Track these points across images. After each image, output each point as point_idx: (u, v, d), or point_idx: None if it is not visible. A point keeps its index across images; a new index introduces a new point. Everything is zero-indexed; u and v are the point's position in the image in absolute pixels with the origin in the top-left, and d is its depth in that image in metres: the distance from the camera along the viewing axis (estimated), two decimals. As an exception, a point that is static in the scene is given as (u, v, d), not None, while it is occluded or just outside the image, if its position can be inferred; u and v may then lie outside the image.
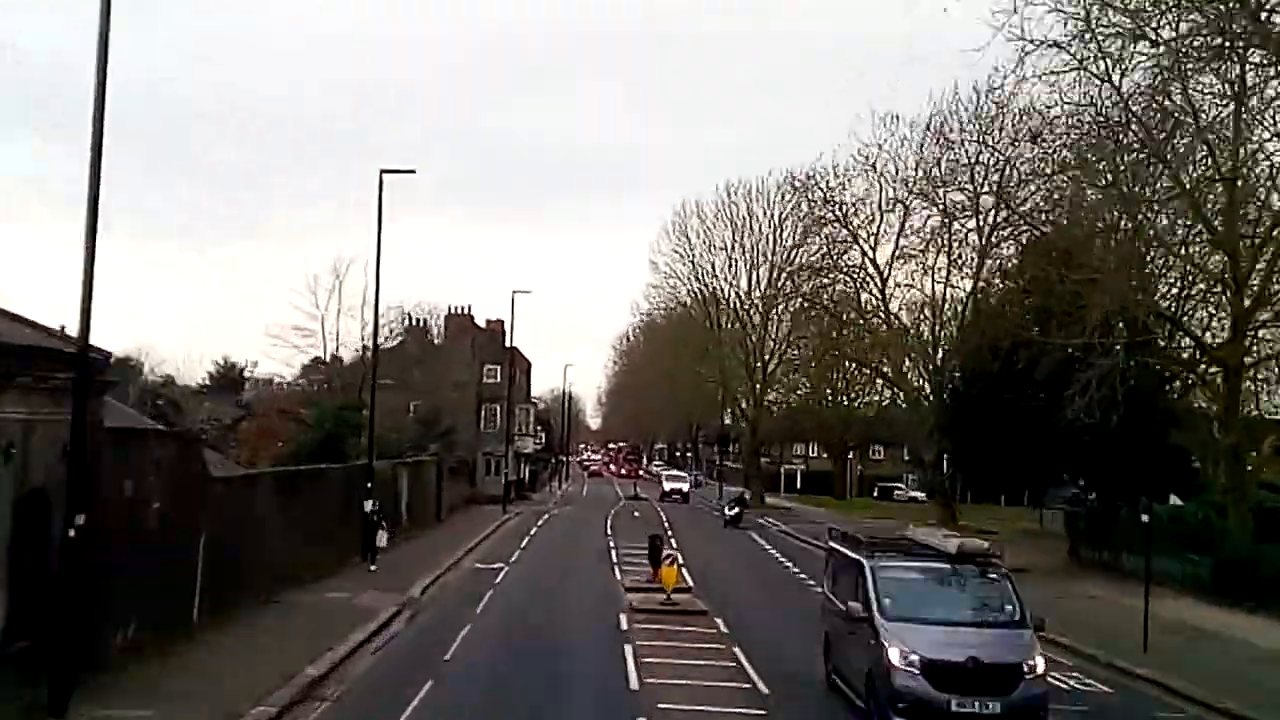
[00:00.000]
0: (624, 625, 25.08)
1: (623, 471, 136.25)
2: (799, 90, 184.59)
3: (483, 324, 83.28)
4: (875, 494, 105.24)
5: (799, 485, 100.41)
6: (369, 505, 32.68)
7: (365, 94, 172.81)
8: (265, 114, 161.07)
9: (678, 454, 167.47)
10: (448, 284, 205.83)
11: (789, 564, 40.60)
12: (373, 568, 31.62)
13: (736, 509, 59.86)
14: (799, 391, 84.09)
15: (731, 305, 79.64)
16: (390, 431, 55.09)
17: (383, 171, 34.89)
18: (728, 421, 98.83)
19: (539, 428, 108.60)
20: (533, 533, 49.63)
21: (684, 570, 32.56)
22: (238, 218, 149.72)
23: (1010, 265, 47.96)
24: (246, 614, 23.32)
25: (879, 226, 57.24)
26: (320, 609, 25.37)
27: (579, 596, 30.24)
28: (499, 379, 79.20)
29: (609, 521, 57.76)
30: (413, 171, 38.48)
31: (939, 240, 54.39)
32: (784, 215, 72.48)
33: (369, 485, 35.12)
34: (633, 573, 34.03)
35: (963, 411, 46.64)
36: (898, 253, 56.46)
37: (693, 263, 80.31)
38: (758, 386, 79.49)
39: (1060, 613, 25.13)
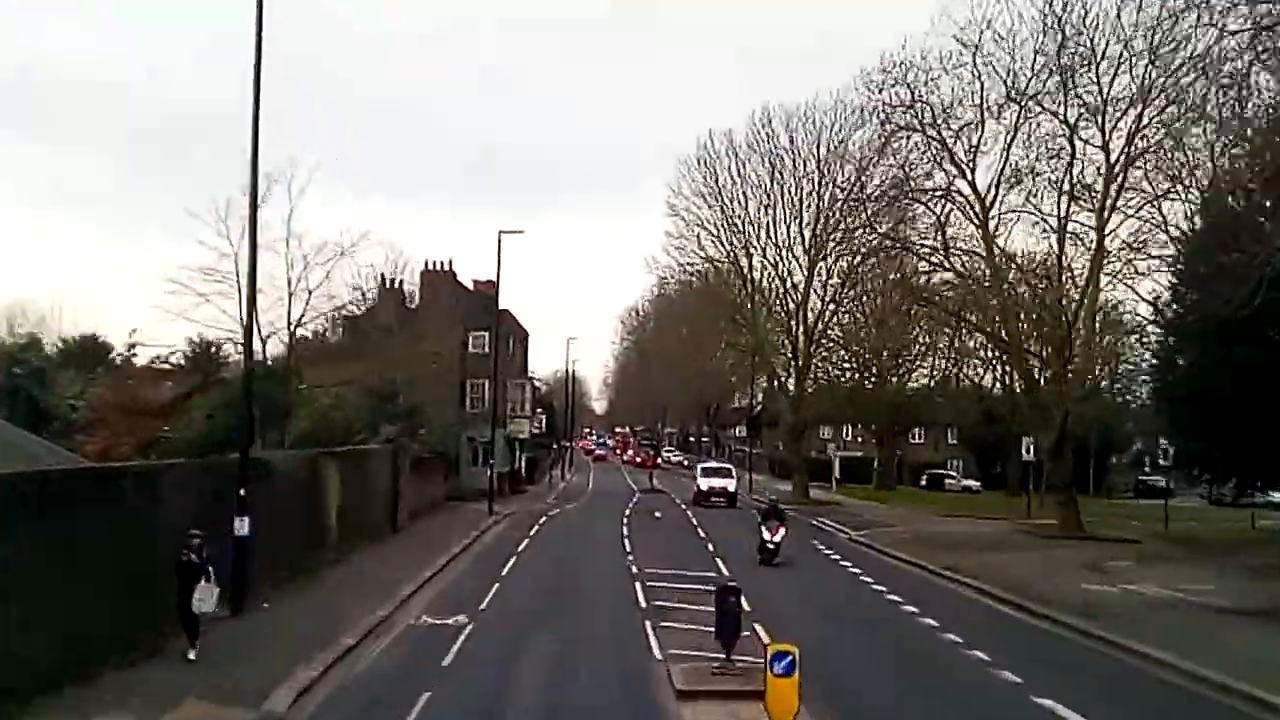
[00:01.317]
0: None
1: (638, 460, 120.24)
2: None
3: (469, 285, 69.70)
4: (923, 483, 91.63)
5: (836, 474, 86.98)
6: (191, 546, 17.84)
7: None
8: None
9: (691, 439, 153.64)
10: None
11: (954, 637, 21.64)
12: (191, 655, 17.65)
13: (772, 535, 32.30)
14: (847, 365, 70.33)
15: (770, 257, 65.66)
16: (334, 409, 41.47)
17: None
18: (758, 400, 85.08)
19: (538, 410, 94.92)
20: (521, 549, 35.80)
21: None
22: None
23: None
24: None
25: (979, 139, 43.53)
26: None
27: (590, 699, 16.54)
28: (487, 349, 65.53)
29: (625, 528, 44.17)
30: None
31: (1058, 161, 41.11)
32: (840, 136, 58.69)
33: (240, 493, 21.42)
34: (676, 631, 20.69)
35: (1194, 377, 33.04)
36: (1004, 177, 42.93)
37: (721, 206, 66.35)
38: (800, 357, 65.57)
39: None
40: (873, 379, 72.00)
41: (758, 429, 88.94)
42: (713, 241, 67.13)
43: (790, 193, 64.56)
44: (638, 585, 26.85)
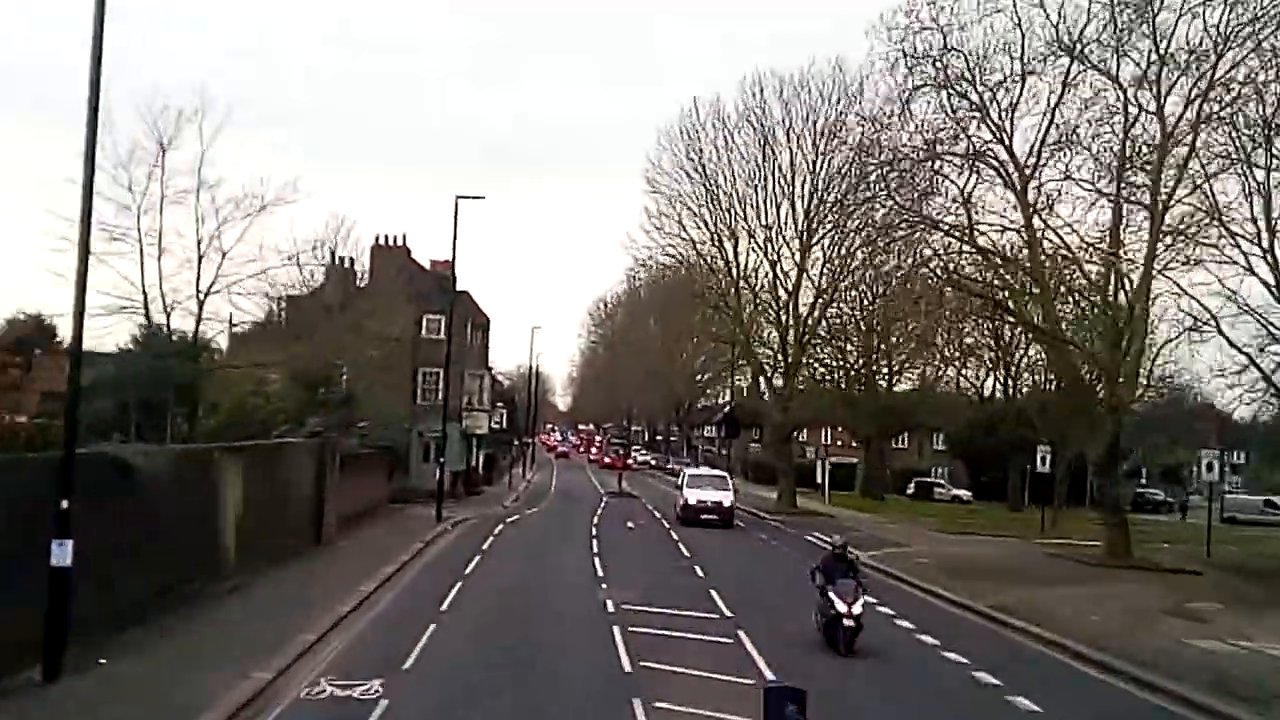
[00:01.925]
0: None
1: (605, 460, 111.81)
2: None
3: (426, 266, 63.11)
4: (910, 492, 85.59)
5: (820, 480, 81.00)
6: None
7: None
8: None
9: (659, 438, 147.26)
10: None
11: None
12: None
13: (848, 604, 19.78)
14: (840, 362, 64.20)
15: (758, 241, 59.27)
16: (254, 396, 34.87)
17: None
18: (737, 397, 78.84)
19: (499, 404, 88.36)
20: (469, 571, 29.13)
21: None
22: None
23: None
24: None
25: (1018, 96, 37.36)
26: None
27: None
28: (442, 334, 58.97)
29: (594, 542, 37.88)
30: None
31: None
32: (841, 106, 52.49)
33: (62, 507, 14.95)
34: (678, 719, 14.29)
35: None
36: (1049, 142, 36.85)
37: (705, 182, 59.91)
38: (790, 351, 59.22)
39: None
40: (864, 378, 65.92)
41: (736, 429, 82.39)
42: (695, 221, 60.76)
43: (783, 169, 58.31)
44: (617, 633, 20.35)
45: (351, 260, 57.42)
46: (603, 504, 60.44)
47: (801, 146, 57.77)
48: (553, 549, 36.05)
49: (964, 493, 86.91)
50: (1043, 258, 36.26)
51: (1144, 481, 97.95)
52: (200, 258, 32.55)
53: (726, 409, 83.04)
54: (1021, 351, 70.09)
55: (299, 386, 38.45)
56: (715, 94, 76.51)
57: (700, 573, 30.55)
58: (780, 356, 59.65)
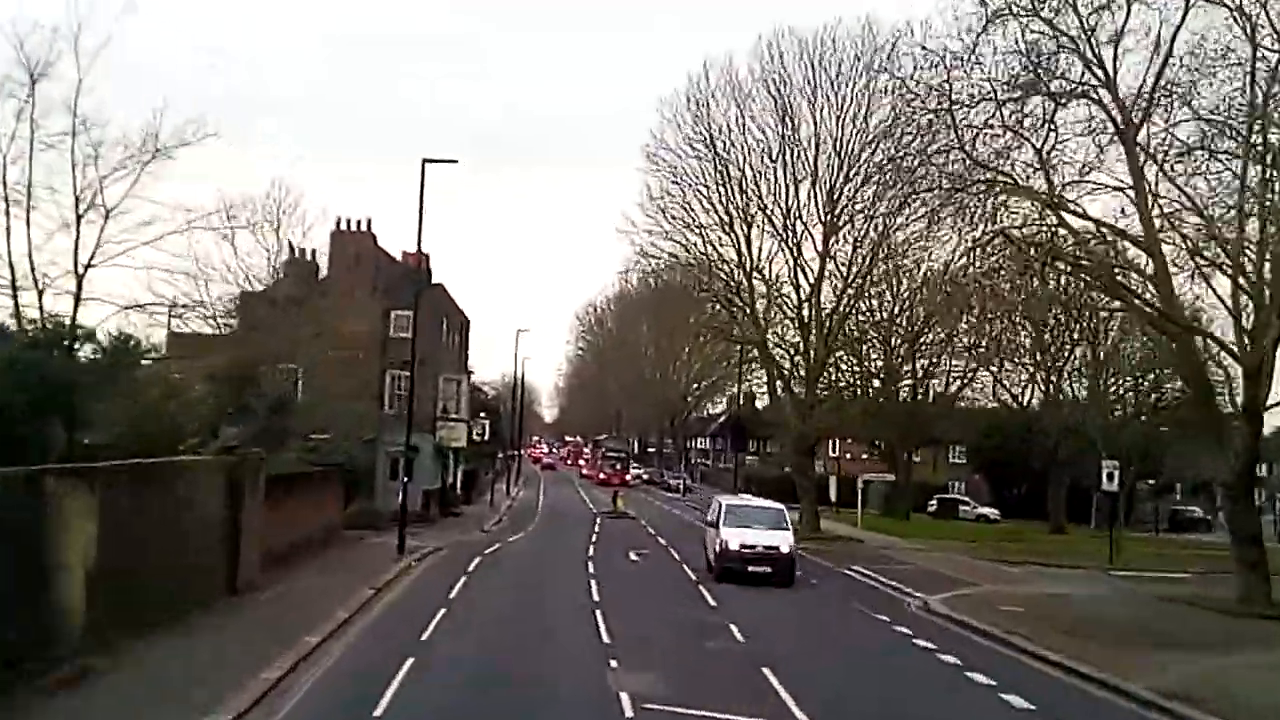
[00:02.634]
0: None
1: (600, 476, 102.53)
2: None
3: (398, 258, 55.46)
4: (932, 509, 77.92)
5: (832, 498, 73.54)
6: None
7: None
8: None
9: (650, 450, 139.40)
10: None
11: None
12: None
13: None
14: (865, 367, 56.67)
15: (776, 225, 51.68)
16: (166, 400, 27.24)
17: None
18: (742, 405, 71.16)
19: (481, 414, 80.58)
20: (428, 635, 21.20)
21: None
22: None
23: None
24: None
25: (1121, 26, 29.90)
26: None
27: None
28: (412, 332, 51.37)
29: (593, 584, 30.15)
30: None
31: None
32: (878, 65, 44.93)
33: None
34: None
35: None
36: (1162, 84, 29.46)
37: (716, 158, 52.25)
38: (813, 351, 51.54)
39: None
40: (893, 383, 58.44)
41: (743, 439, 74.68)
42: (703, 203, 53.03)
43: (804, 142, 50.81)
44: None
45: (314, 252, 49.88)
46: (597, 526, 52.82)
47: (825, 116, 50.31)
48: (541, 597, 28.30)
49: (990, 510, 79.55)
50: (1158, 224, 28.67)
51: (1178, 498, 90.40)
52: (79, 218, 24.88)
53: (732, 417, 75.40)
54: (1067, 353, 62.80)
55: (221, 388, 30.53)
56: (727, 56, 68.27)
57: (738, 634, 22.83)
58: (801, 357, 51.93)
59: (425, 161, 35.34)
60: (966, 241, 33.55)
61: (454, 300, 60.35)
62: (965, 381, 68.32)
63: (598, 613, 24.29)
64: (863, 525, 59.15)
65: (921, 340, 54.45)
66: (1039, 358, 63.86)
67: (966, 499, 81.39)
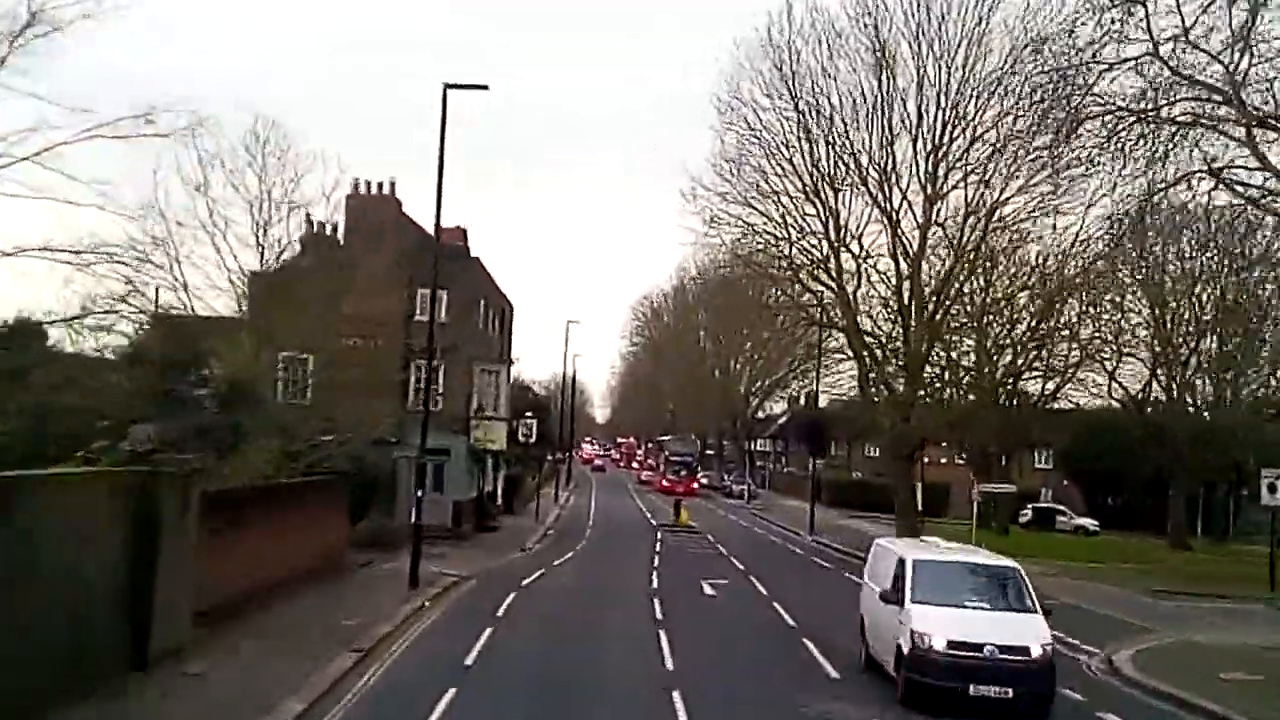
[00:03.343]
0: None
1: (663, 483, 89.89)
2: None
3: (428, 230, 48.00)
4: (1025, 520, 69.27)
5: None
6: None
7: None
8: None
9: (709, 452, 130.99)
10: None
11: None
12: None
13: None
14: (976, 354, 48.28)
15: (870, 189, 43.64)
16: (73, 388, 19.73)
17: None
18: (814, 404, 62.94)
19: (527, 414, 73.02)
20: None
21: None
22: None
23: None
24: None
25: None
26: None
27: None
28: (445, 316, 43.87)
29: (663, 636, 22.17)
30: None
31: None
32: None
33: None
34: None
35: None
36: None
37: (798, 112, 44.26)
38: (915, 338, 43.33)
39: None
40: (1004, 377, 49.97)
41: (821, 440, 66.45)
42: (782, 163, 44.97)
43: (904, 92, 42.85)
44: None
45: (334, 227, 42.50)
46: (658, 543, 45.15)
47: (928, 59, 42.32)
48: (596, 661, 20.49)
49: (1088, 521, 71.06)
50: None
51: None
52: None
53: (802, 417, 67.21)
54: (1194, 344, 54.41)
55: (142, 373, 22.83)
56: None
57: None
58: (901, 346, 43.70)
59: (447, 87, 27.66)
60: (1131, 189, 25.61)
61: (493, 281, 52.82)
62: (1066, 378, 59.51)
63: (677, 699, 16.45)
64: (953, 538, 50.79)
65: (1032, 329, 45.85)
66: (1161, 350, 55.52)
67: (1063, 509, 72.77)
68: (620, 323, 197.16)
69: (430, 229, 48.69)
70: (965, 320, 44.26)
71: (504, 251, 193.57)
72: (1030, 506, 71.79)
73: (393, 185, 44.25)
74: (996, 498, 65.53)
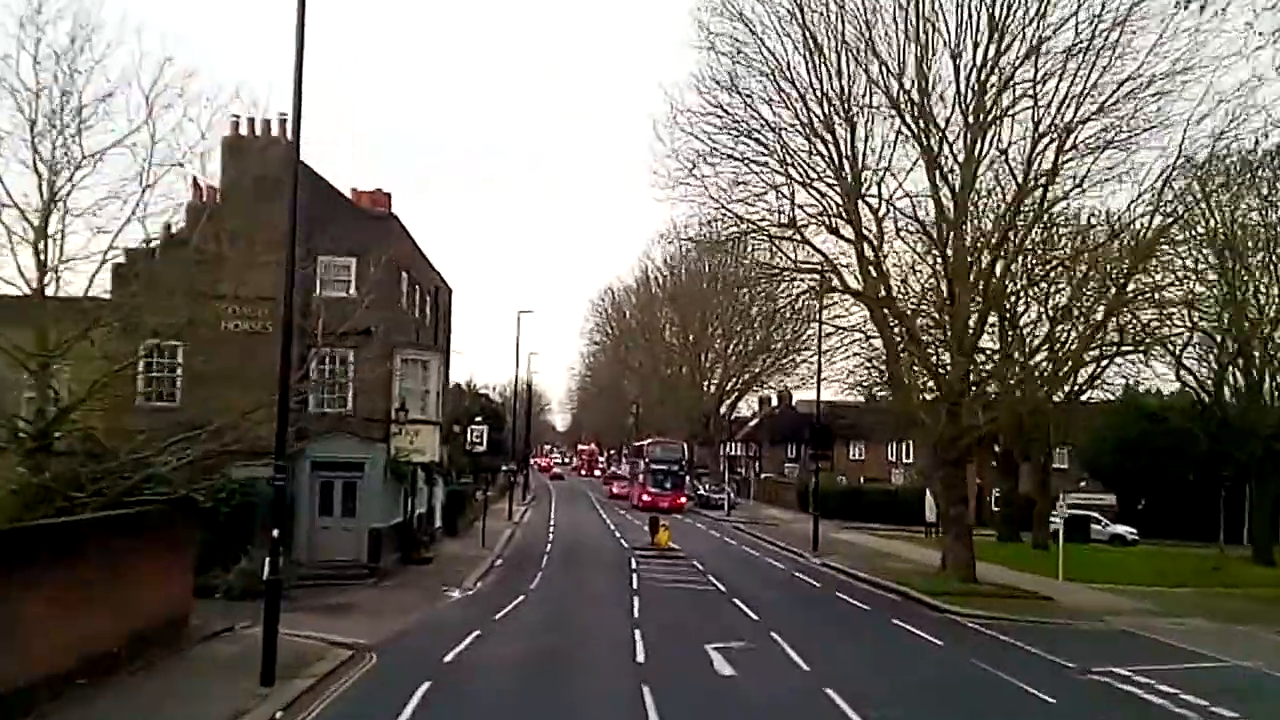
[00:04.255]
0: None
1: (644, 498, 73.36)
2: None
3: (346, 193, 38.00)
4: (1054, 526, 59.71)
5: (931, 517, 56.05)
6: None
7: None
8: None
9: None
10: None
11: None
12: None
13: None
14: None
15: (909, 118, 33.87)
16: None
17: None
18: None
19: (477, 418, 63.06)
20: None
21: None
22: None
23: None
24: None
25: None
26: None
27: None
28: (353, 291, 33.85)
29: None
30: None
31: None
32: None
33: None
34: None
35: None
36: None
37: (803, 22, 34.47)
38: (965, 309, 33.44)
39: None
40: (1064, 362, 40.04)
41: (828, 440, 56.74)
42: (782, 89, 35.12)
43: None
44: None
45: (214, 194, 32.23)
46: (634, 577, 35.23)
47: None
48: None
49: (1125, 528, 61.98)
50: None
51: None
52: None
53: (816, 418, 57.48)
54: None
55: None
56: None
57: None
58: (948, 319, 33.66)
59: None
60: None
61: (426, 256, 42.83)
62: (1103, 366, 49.66)
63: None
64: (995, 560, 41.22)
65: (1118, 285, 35.75)
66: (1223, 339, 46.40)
67: (1096, 515, 63.51)
68: (581, 318, 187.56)
69: (347, 191, 39.04)
70: (1029, 282, 34.55)
71: (458, 251, 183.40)
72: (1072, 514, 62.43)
73: (283, 124, 34.14)
74: (1010, 500, 56.46)
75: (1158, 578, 39.79)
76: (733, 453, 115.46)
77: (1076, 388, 47.78)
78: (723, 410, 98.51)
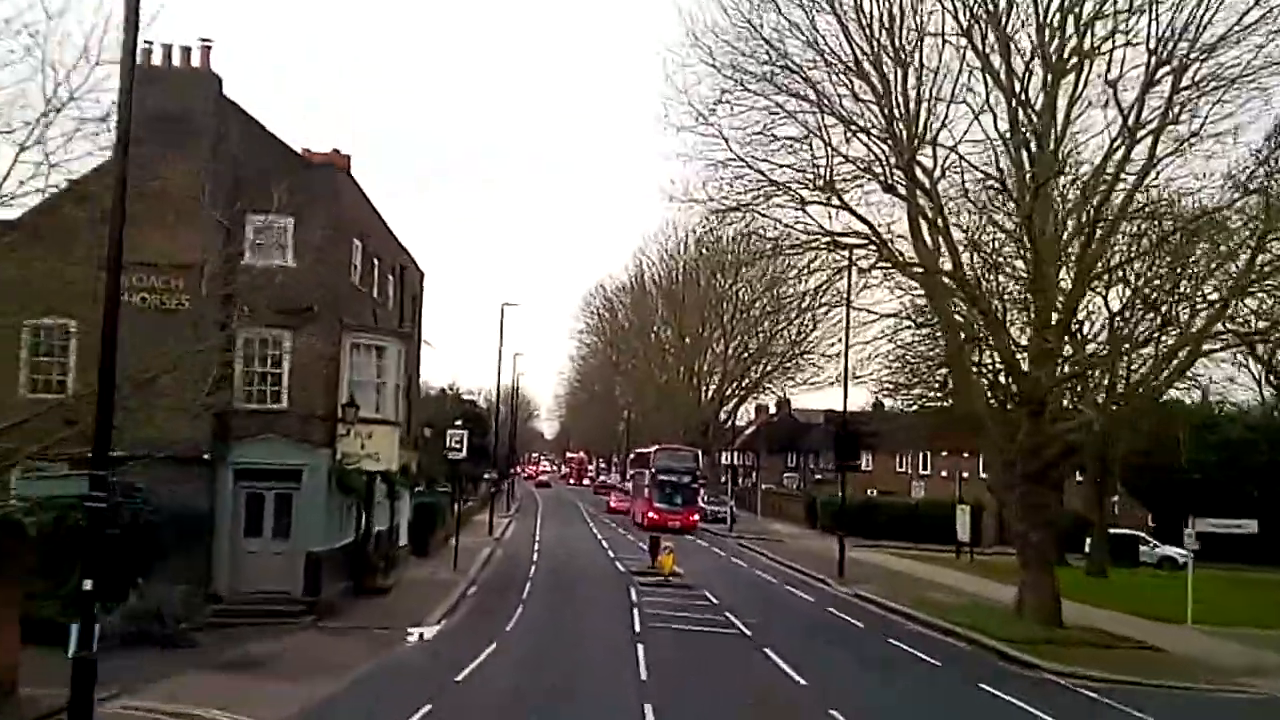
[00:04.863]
0: None
1: (651, 515, 63.08)
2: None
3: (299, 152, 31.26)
4: (1120, 558, 53.35)
5: (963, 536, 49.44)
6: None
7: None
8: None
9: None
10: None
11: None
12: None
13: None
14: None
15: (986, 48, 27.35)
16: None
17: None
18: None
19: (457, 421, 56.14)
20: None
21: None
22: None
23: None
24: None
25: None
26: None
27: None
28: (291, 259, 27.37)
29: None
30: None
31: None
32: None
33: None
34: None
35: None
36: None
37: None
38: (1054, 292, 26.79)
39: None
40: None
41: (854, 450, 50.30)
42: (810, 27, 28.63)
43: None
44: None
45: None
46: (636, 615, 28.59)
47: None
48: None
49: (1177, 551, 55.25)
50: None
51: None
52: None
53: (843, 424, 51.01)
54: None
55: None
56: None
57: None
58: (1032, 300, 26.86)
59: None
60: None
61: (389, 228, 36.23)
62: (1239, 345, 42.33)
63: None
64: (1080, 592, 34.46)
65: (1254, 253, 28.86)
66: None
67: (1144, 536, 57.11)
68: (569, 324, 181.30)
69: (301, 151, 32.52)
70: (1138, 252, 27.94)
71: (458, 251, 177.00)
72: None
73: (205, 51, 27.59)
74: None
75: (1267, 614, 33.29)
76: (729, 462, 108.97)
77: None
78: (722, 416, 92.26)
